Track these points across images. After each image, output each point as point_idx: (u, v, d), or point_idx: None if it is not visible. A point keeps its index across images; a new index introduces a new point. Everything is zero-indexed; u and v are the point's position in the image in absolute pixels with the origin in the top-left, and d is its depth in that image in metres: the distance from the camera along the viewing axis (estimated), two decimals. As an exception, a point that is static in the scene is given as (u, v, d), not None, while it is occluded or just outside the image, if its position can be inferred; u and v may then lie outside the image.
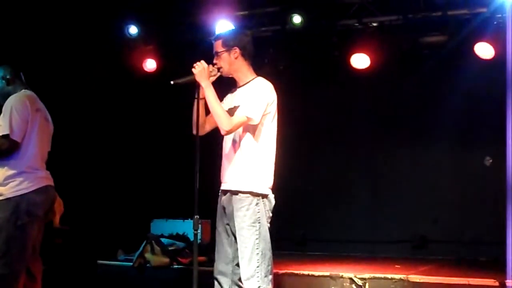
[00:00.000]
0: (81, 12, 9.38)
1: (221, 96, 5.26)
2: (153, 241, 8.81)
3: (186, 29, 9.79)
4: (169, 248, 8.83)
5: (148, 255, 8.73)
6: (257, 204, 5.14)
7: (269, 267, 5.17)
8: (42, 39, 9.23)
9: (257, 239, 5.11)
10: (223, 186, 5.28)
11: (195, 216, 4.98)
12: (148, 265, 8.70)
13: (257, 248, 5.10)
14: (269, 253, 5.18)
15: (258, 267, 5.09)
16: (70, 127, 9.63)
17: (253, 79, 5.32)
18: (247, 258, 5.10)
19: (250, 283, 5.08)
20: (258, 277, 5.08)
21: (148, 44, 10.19)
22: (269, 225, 5.23)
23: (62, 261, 8.72)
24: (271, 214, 5.26)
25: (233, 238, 5.23)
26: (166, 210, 10.01)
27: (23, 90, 6.06)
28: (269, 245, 5.19)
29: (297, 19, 9.30)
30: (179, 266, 8.52)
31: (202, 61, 5.17)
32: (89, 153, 10.00)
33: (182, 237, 9.28)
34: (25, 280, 5.97)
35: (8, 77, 6.08)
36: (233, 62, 5.28)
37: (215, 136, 5.32)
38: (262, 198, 5.18)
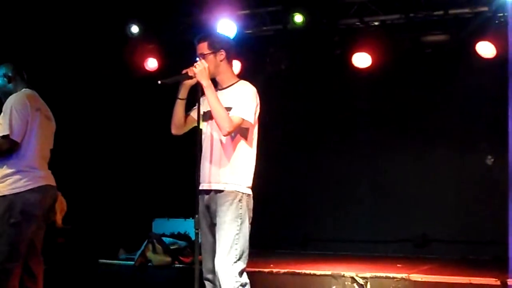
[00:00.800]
0: (83, 11, 9.39)
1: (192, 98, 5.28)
2: (154, 240, 8.80)
3: (187, 28, 9.79)
4: (171, 247, 8.82)
5: (149, 254, 8.72)
6: (240, 200, 5.16)
7: (245, 266, 5.15)
8: (44, 38, 9.23)
9: (237, 234, 5.10)
10: (207, 186, 5.24)
11: (196, 215, 4.99)
12: (149, 264, 8.69)
13: (236, 244, 5.09)
14: (246, 251, 5.16)
15: (235, 262, 5.08)
16: (72, 126, 9.63)
17: (237, 81, 5.37)
18: (225, 253, 5.07)
19: (226, 278, 5.05)
20: (233, 272, 5.05)
21: (150, 43, 10.19)
22: (249, 225, 5.22)
23: (63, 260, 8.72)
24: (251, 215, 5.24)
25: None
26: (168, 209, 10.01)
27: (24, 89, 6.06)
28: (247, 243, 5.17)
29: (298, 18, 9.29)
30: (181, 265, 8.51)
31: (203, 61, 5.20)
32: (91, 152, 10.01)
33: (184, 236, 9.27)
34: (26, 279, 5.97)
35: (10, 75, 6.09)
36: (218, 65, 5.31)
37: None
38: (246, 196, 5.20)
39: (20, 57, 7.93)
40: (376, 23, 9.43)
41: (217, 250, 5.11)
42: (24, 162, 5.86)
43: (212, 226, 5.23)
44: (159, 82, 5.15)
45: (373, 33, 9.40)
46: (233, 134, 5.17)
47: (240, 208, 5.15)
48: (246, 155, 5.23)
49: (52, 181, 6.06)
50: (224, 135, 5.15)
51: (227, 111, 5.13)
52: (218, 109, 5.10)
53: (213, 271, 5.19)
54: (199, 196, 5.22)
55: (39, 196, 5.89)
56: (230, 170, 5.17)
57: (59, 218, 6.32)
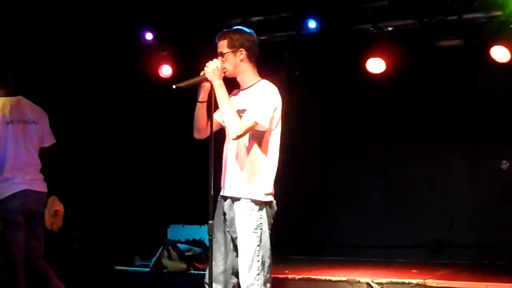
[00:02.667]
0: (97, 19, 9.43)
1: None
2: (170, 247, 8.83)
3: (201, 35, 9.81)
4: (186, 254, 8.85)
5: (165, 261, 8.75)
6: (259, 210, 5.00)
7: (268, 275, 5.02)
8: (58, 46, 9.28)
9: (258, 246, 4.96)
10: (224, 192, 5.12)
11: (210, 221, 4.90)
12: (165, 270, 8.72)
13: (257, 255, 4.96)
14: (268, 261, 5.02)
15: (258, 275, 4.95)
16: (87, 134, 9.70)
17: (257, 82, 5.17)
18: (247, 266, 4.96)
19: None
20: (258, 285, 4.95)
21: (164, 50, 10.21)
22: (270, 231, 5.07)
23: (79, 267, 8.76)
24: (272, 221, 5.10)
25: (231, 246, 5.12)
26: (183, 216, 10.02)
27: None
28: (269, 252, 5.03)
29: (312, 24, 9.30)
30: (196, 272, 8.53)
31: (216, 60, 5.04)
32: (106, 159, 10.05)
33: (199, 243, 9.30)
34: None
35: None
36: (238, 64, 5.11)
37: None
38: (265, 205, 5.04)
39: (33, 64, 7.97)
40: (390, 28, 9.41)
41: (239, 263, 5.01)
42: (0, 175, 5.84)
43: (226, 234, 5.14)
44: (174, 86, 4.96)
45: (386, 38, 9.38)
46: (247, 139, 5.00)
47: (260, 218, 4.99)
48: (262, 160, 5.03)
49: (36, 187, 5.98)
50: (233, 139, 4.97)
51: (243, 113, 4.98)
52: (227, 112, 4.93)
53: (217, 280, 5.06)
54: (218, 201, 5.13)
55: (17, 202, 5.83)
56: (244, 177, 5.02)
57: (48, 223, 6.23)
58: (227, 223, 5.14)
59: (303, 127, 10.37)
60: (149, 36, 10.02)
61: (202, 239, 9.33)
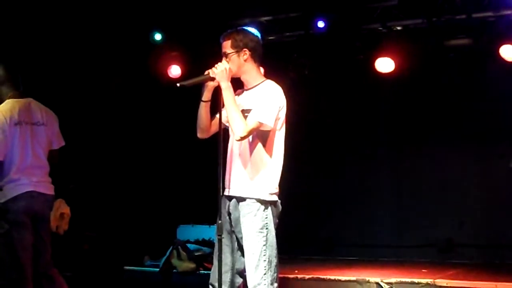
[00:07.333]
0: (106, 19, 9.45)
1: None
2: (179, 247, 8.84)
3: (210, 35, 9.82)
4: (195, 254, 8.86)
5: (174, 261, 8.77)
6: (264, 210, 5.00)
7: (275, 275, 5.02)
8: (69, 47, 9.31)
9: (264, 245, 4.97)
10: (229, 192, 5.11)
11: (219, 221, 4.92)
12: (174, 270, 8.74)
13: (264, 255, 4.96)
14: (275, 260, 5.03)
15: (265, 274, 4.95)
16: (97, 134, 9.73)
17: (262, 82, 5.17)
18: (254, 265, 4.96)
19: None
20: (265, 285, 4.95)
21: (173, 51, 10.22)
22: (276, 231, 5.07)
23: (88, 267, 8.78)
24: (277, 220, 5.10)
25: (236, 246, 5.12)
26: (192, 216, 10.03)
27: (6, 101, 5.99)
28: (275, 251, 5.03)
29: (321, 23, 9.30)
30: (205, 272, 8.53)
31: (224, 61, 5.05)
32: (116, 159, 10.06)
33: (208, 243, 9.29)
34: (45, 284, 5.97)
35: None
36: (242, 64, 5.10)
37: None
38: (270, 204, 5.04)
39: (43, 65, 8.00)
40: (399, 28, 9.41)
41: (246, 263, 5.02)
42: (6, 177, 5.85)
43: (231, 234, 5.13)
44: (178, 84, 5.00)
45: (396, 37, 9.37)
46: (251, 139, 5.00)
47: (266, 218, 4.99)
48: (266, 160, 5.03)
49: (42, 189, 5.98)
50: (237, 140, 4.98)
51: (247, 113, 4.98)
52: (233, 113, 4.93)
53: (224, 281, 5.03)
54: (222, 201, 5.09)
55: (21, 203, 5.84)
56: (249, 176, 5.02)
57: (53, 226, 6.23)
58: (232, 223, 5.14)
59: (312, 126, 10.40)
60: (158, 36, 10.03)
61: (211, 239, 9.34)
